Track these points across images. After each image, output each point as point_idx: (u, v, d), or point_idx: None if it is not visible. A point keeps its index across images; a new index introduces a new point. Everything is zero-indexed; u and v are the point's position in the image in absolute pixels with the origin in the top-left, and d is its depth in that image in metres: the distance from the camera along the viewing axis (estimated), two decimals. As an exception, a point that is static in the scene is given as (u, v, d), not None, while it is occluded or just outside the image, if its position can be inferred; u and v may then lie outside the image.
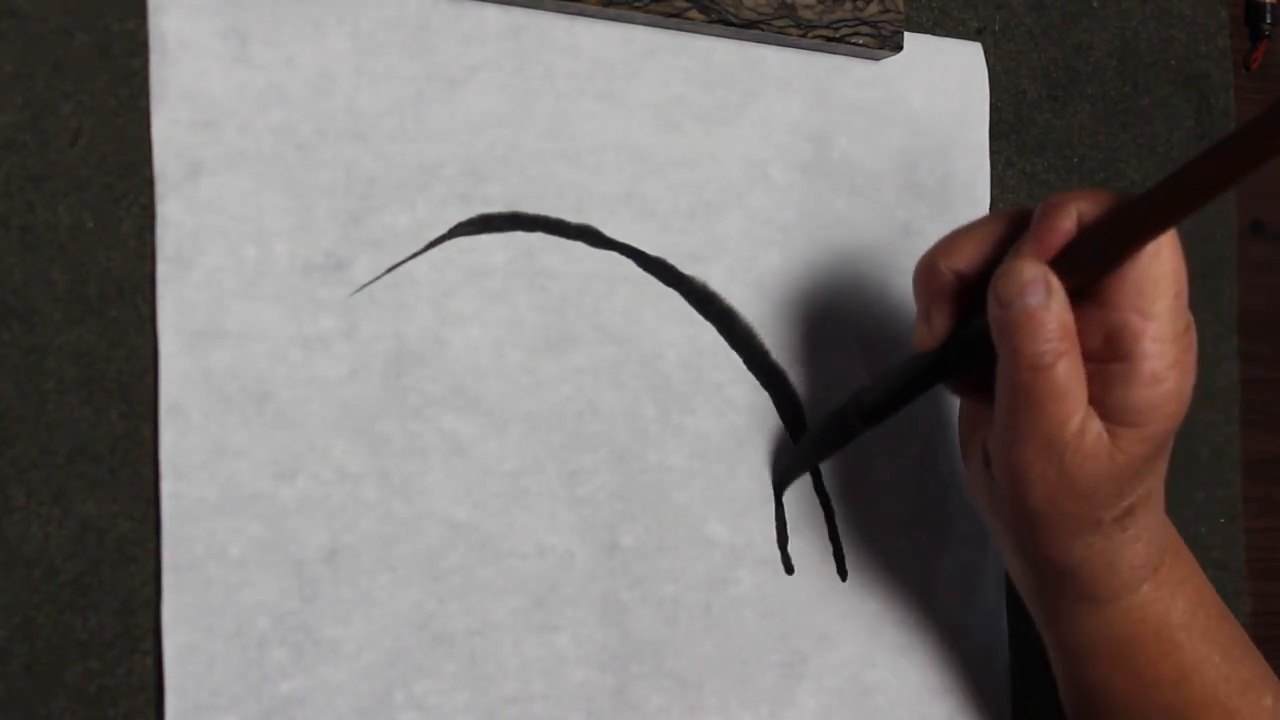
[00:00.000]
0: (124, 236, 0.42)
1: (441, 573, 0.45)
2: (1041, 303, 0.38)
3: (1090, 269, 0.38)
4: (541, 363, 0.46)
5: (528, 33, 0.47)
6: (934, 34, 0.55)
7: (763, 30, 0.49)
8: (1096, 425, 0.39)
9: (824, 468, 0.51)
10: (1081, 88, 0.59)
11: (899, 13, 0.52)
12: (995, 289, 0.39)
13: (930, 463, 0.53)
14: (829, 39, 0.51)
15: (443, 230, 0.45)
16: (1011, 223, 0.41)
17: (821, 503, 0.51)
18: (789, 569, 0.50)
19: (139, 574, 0.41)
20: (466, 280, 0.46)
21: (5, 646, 0.39)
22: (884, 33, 0.51)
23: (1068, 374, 0.38)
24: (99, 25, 0.42)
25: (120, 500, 0.41)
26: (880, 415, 0.45)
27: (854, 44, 0.51)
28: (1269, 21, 0.64)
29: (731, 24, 0.49)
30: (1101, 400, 0.39)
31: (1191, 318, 0.40)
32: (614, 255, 0.48)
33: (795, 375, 0.51)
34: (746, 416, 0.50)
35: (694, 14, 0.48)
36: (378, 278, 0.44)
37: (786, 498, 0.50)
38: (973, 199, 0.55)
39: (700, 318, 0.49)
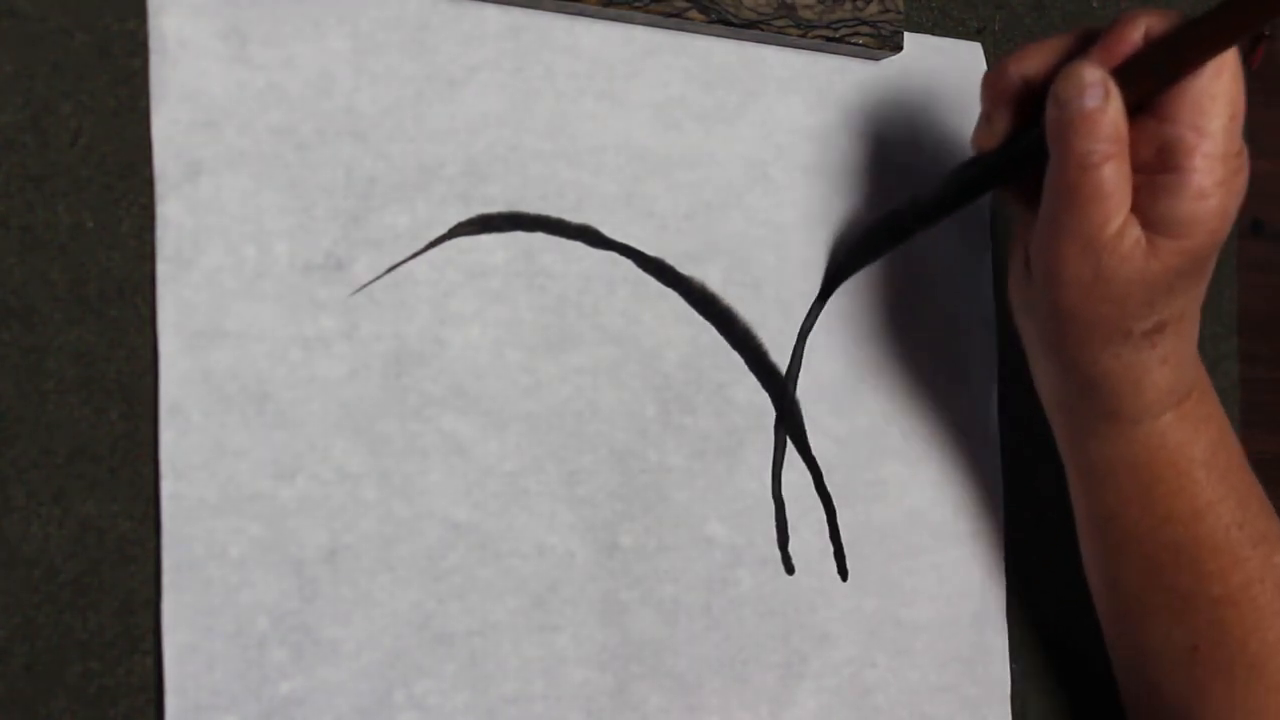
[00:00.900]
0: (124, 236, 0.42)
1: (441, 573, 0.45)
2: (1098, 104, 0.39)
3: (1151, 81, 0.39)
4: (541, 363, 0.46)
5: (528, 33, 0.47)
6: (934, 34, 0.55)
7: (763, 30, 0.49)
8: (1136, 231, 0.40)
9: (825, 468, 0.51)
10: (1081, 88, 0.59)
11: (899, 13, 0.52)
12: (1055, 89, 0.40)
13: (932, 463, 0.53)
14: (829, 39, 0.51)
15: (443, 230, 0.45)
16: (1085, 38, 0.42)
17: (823, 502, 0.51)
18: (789, 569, 0.50)
19: (139, 574, 0.41)
20: (466, 280, 0.46)
21: (5, 646, 0.39)
22: (884, 33, 0.51)
23: (1113, 176, 0.40)
24: (99, 25, 0.42)
25: (120, 500, 0.41)
26: (935, 215, 0.47)
27: (854, 44, 0.51)
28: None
29: (731, 24, 0.49)
30: (1146, 210, 0.40)
31: (1244, 146, 0.41)
32: (614, 255, 0.48)
33: (791, 375, 0.51)
34: (746, 416, 0.50)
35: (694, 14, 0.48)
36: (378, 278, 0.44)
37: (787, 498, 0.50)
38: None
39: (700, 318, 0.49)
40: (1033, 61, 0.43)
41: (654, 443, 0.48)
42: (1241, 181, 0.41)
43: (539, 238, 0.47)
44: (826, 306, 0.51)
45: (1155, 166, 0.40)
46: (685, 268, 0.49)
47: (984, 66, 0.56)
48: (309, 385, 0.43)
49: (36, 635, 0.40)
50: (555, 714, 0.46)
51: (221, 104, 0.43)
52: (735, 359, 0.50)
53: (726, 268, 0.50)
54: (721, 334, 0.50)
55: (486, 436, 0.45)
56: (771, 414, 0.50)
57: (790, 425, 0.51)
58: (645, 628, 0.48)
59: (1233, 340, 0.62)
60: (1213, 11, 0.38)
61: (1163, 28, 0.40)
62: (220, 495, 0.42)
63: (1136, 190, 0.40)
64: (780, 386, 0.50)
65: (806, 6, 0.50)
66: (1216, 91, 0.40)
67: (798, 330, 0.51)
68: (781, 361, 0.51)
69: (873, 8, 0.51)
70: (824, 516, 0.51)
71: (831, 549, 0.51)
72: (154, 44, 0.42)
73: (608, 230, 0.48)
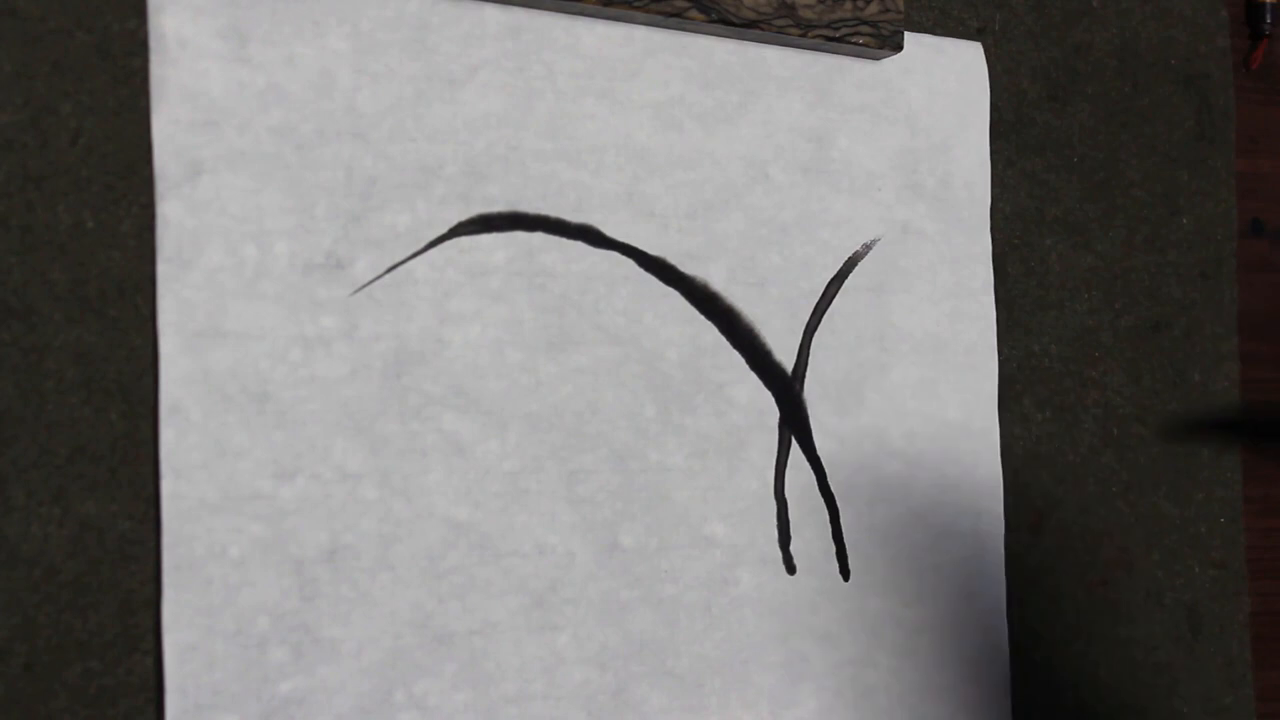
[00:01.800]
0: (124, 236, 0.42)
1: (441, 573, 0.44)
2: None
3: None
4: (541, 363, 0.46)
5: (528, 33, 0.47)
6: (934, 34, 0.55)
7: (763, 30, 0.49)
8: None
9: (829, 469, 0.51)
10: (1081, 88, 0.59)
11: (899, 13, 0.52)
12: None
13: (933, 463, 0.53)
14: (829, 39, 0.51)
15: (443, 230, 0.45)
16: None
17: (826, 503, 0.51)
18: (791, 569, 0.50)
19: (139, 574, 0.41)
20: (466, 280, 0.46)
21: (5, 646, 0.39)
22: (884, 33, 0.51)
23: None
24: (99, 25, 0.42)
25: (120, 500, 0.41)
26: None
27: (854, 44, 0.51)
28: (1269, 21, 0.64)
29: (731, 24, 0.49)
30: None
31: None
32: (614, 255, 0.48)
33: (796, 375, 0.51)
34: (747, 416, 0.50)
35: (694, 14, 0.48)
36: (378, 278, 0.44)
37: (790, 497, 0.50)
38: (973, 199, 0.55)
39: (701, 317, 0.49)
40: None
41: (654, 443, 0.48)
42: None
43: (539, 237, 0.47)
44: (831, 306, 0.51)
45: None
46: (687, 267, 0.49)
47: (984, 66, 0.56)
48: (309, 385, 0.43)
49: (36, 635, 0.40)
50: (555, 714, 0.46)
51: (221, 104, 0.43)
52: (736, 359, 0.50)
53: (730, 267, 0.50)
54: (723, 334, 0.50)
55: (486, 436, 0.45)
56: (773, 414, 0.50)
57: (795, 425, 0.51)
58: (645, 628, 0.48)
59: (1233, 340, 0.62)
60: None
61: None
62: (220, 495, 0.42)
63: None
64: (784, 386, 0.50)
65: (806, 6, 0.50)
66: None
67: (802, 329, 0.51)
68: (784, 361, 0.51)
69: (873, 8, 0.51)
70: (825, 516, 0.51)
71: (833, 549, 0.51)
72: (154, 44, 0.42)
73: (608, 230, 0.48)
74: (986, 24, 0.57)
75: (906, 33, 0.53)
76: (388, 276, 0.44)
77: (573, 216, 0.47)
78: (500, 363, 0.46)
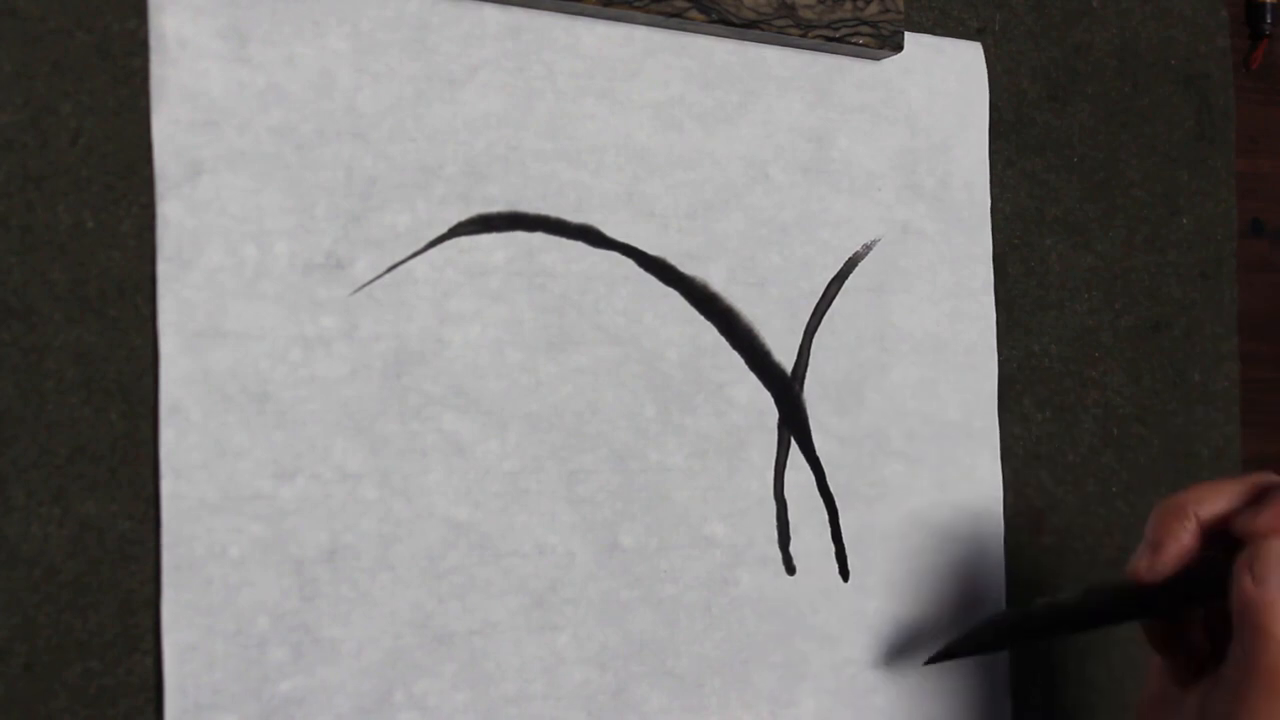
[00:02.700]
0: (124, 236, 0.42)
1: (441, 573, 0.44)
2: None
3: None
4: (541, 363, 0.46)
5: (528, 33, 0.47)
6: (934, 34, 0.55)
7: (763, 30, 0.49)
8: None
9: (828, 469, 0.51)
10: (1081, 88, 0.59)
11: (899, 13, 0.52)
12: (1255, 564, 0.38)
13: (933, 463, 0.53)
14: (829, 39, 0.51)
15: (443, 230, 0.45)
16: (1263, 487, 0.41)
17: (826, 503, 0.51)
18: (790, 569, 0.50)
19: (139, 574, 0.41)
20: (466, 280, 0.46)
21: (5, 646, 0.39)
22: (884, 33, 0.51)
23: None
24: (99, 25, 0.42)
25: (120, 500, 0.41)
26: (1071, 631, 0.45)
27: (854, 44, 0.51)
28: (1269, 21, 0.64)
29: (731, 24, 0.49)
30: None
31: None
32: (614, 255, 0.48)
33: (796, 375, 0.51)
34: (747, 416, 0.50)
35: (694, 14, 0.48)
36: (378, 277, 0.44)
37: (789, 498, 0.50)
38: (973, 199, 0.55)
39: (700, 318, 0.49)
40: (1212, 504, 0.41)
41: (654, 443, 0.48)
42: None
43: (539, 237, 0.47)
44: (831, 306, 0.51)
45: None
46: (686, 267, 0.49)
47: (984, 66, 0.56)
48: (309, 385, 0.43)
49: (36, 635, 0.40)
50: (555, 714, 0.46)
51: (221, 104, 0.43)
52: (736, 359, 0.50)
53: (730, 267, 0.50)
54: (723, 334, 0.50)
55: (486, 436, 0.45)
56: (772, 414, 0.50)
57: (795, 425, 0.51)
58: (645, 628, 0.47)
59: (1233, 340, 0.62)
60: None
61: None
62: (220, 495, 0.42)
63: None
64: (784, 386, 0.50)
65: (806, 6, 0.50)
66: None
67: (802, 330, 0.51)
68: (784, 361, 0.51)
69: (873, 8, 0.51)
70: (825, 517, 0.51)
71: (833, 549, 0.51)
72: (154, 44, 0.42)
73: (608, 230, 0.48)
74: (986, 24, 0.57)
75: (906, 33, 0.53)
76: (388, 276, 0.44)
77: (573, 216, 0.47)
78: (500, 363, 0.46)
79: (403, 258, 0.45)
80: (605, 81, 0.48)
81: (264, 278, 0.43)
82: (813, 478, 0.51)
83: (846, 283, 0.52)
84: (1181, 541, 0.41)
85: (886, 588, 0.52)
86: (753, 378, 0.50)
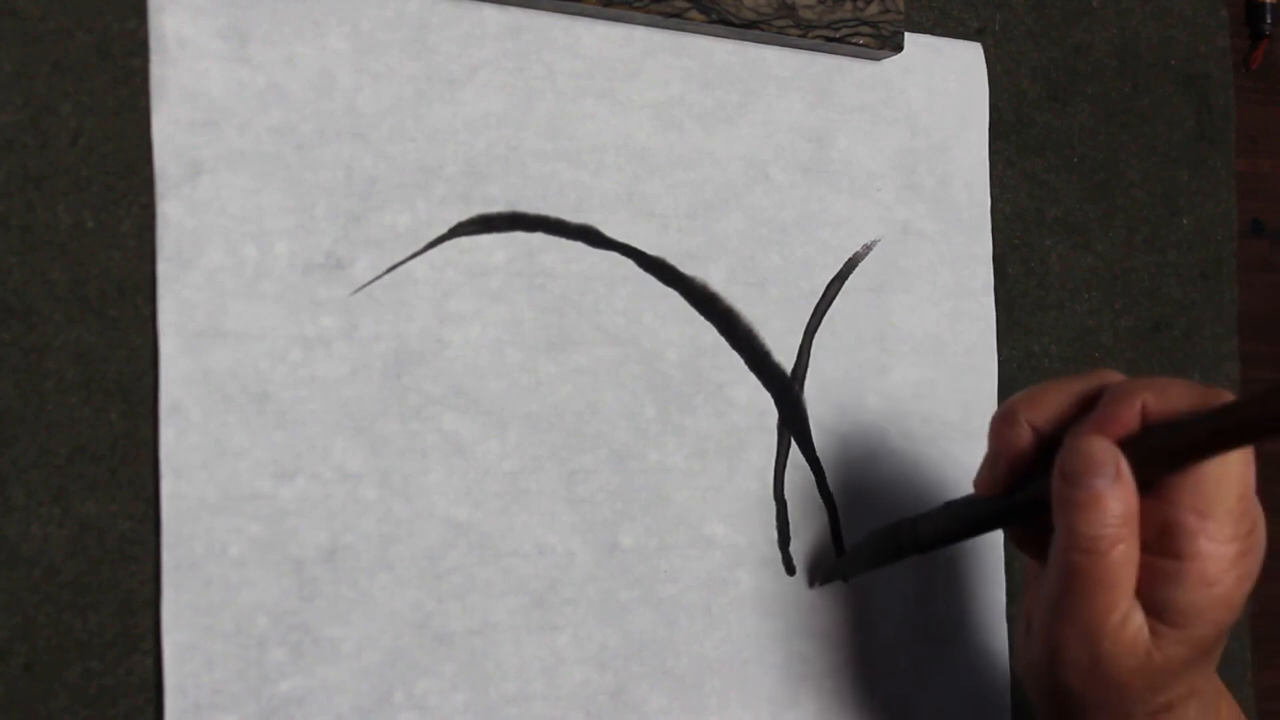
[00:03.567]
0: (124, 236, 0.42)
1: (441, 573, 0.44)
2: (1108, 486, 0.37)
3: (1154, 466, 0.37)
4: (541, 363, 0.46)
5: (528, 33, 0.47)
6: (934, 34, 0.55)
7: (763, 30, 0.49)
8: (1139, 619, 0.37)
9: (828, 469, 0.51)
10: (1081, 88, 0.59)
11: (899, 13, 0.52)
12: (1062, 463, 0.38)
13: (933, 463, 0.53)
14: (829, 39, 0.51)
15: (443, 230, 0.45)
16: (1100, 389, 0.40)
17: (826, 504, 0.51)
18: (790, 569, 0.50)
19: (139, 574, 0.41)
20: (466, 280, 0.46)
21: (5, 646, 0.39)
22: (884, 33, 0.51)
23: (1120, 563, 0.37)
24: (99, 25, 0.42)
25: (120, 500, 0.41)
26: (934, 547, 0.45)
27: (854, 44, 0.51)
28: (1269, 21, 0.64)
29: (731, 24, 0.49)
30: (1148, 595, 0.37)
31: (1260, 514, 0.38)
32: (614, 255, 0.48)
33: (796, 376, 0.51)
34: (746, 416, 0.50)
35: (694, 14, 0.48)
36: (378, 278, 0.44)
37: (789, 498, 0.50)
38: (973, 199, 0.55)
39: (700, 318, 0.49)
40: (1043, 410, 0.40)
41: (654, 443, 0.48)
42: (1254, 560, 0.38)
43: (539, 238, 0.47)
44: (831, 306, 0.51)
45: (1156, 549, 0.37)
46: (686, 267, 0.49)
47: (984, 66, 0.56)
48: (309, 385, 0.43)
49: (36, 635, 0.40)
50: (555, 714, 0.46)
51: (221, 104, 0.43)
52: (736, 359, 0.50)
53: (730, 267, 0.50)
54: (722, 334, 0.50)
55: (486, 436, 0.45)
56: (772, 414, 0.50)
57: (795, 425, 0.51)
58: (645, 628, 0.48)
59: (1233, 340, 0.62)
60: (1218, 412, 0.35)
61: (1159, 406, 0.37)
62: (220, 495, 0.42)
63: (1139, 572, 0.37)
64: (784, 386, 0.50)
65: (806, 6, 0.50)
66: (1220, 473, 0.36)
67: (802, 330, 0.51)
68: (784, 361, 0.51)
69: (873, 8, 0.51)
70: (825, 517, 0.51)
71: (833, 550, 0.51)
72: (154, 44, 0.42)
73: (608, 230, 0.48)
74: (986, 24, 0.57)
75: (906, 33, 0.53)
76: (388, 276, 0.44)
77: (573, 216, 0.47)
78: (500, 363, 0.46)
79: (403, 258, 0.45)
80: (605, 81, 0.48)
81: (264, 278, 0.43)
82: (813, 478, 0.51)
83: (846, 283, 0.52)
84: (1015, 449, 0.40)
85: (886, 587, 0.52)
86: (753, 378, 0.50)
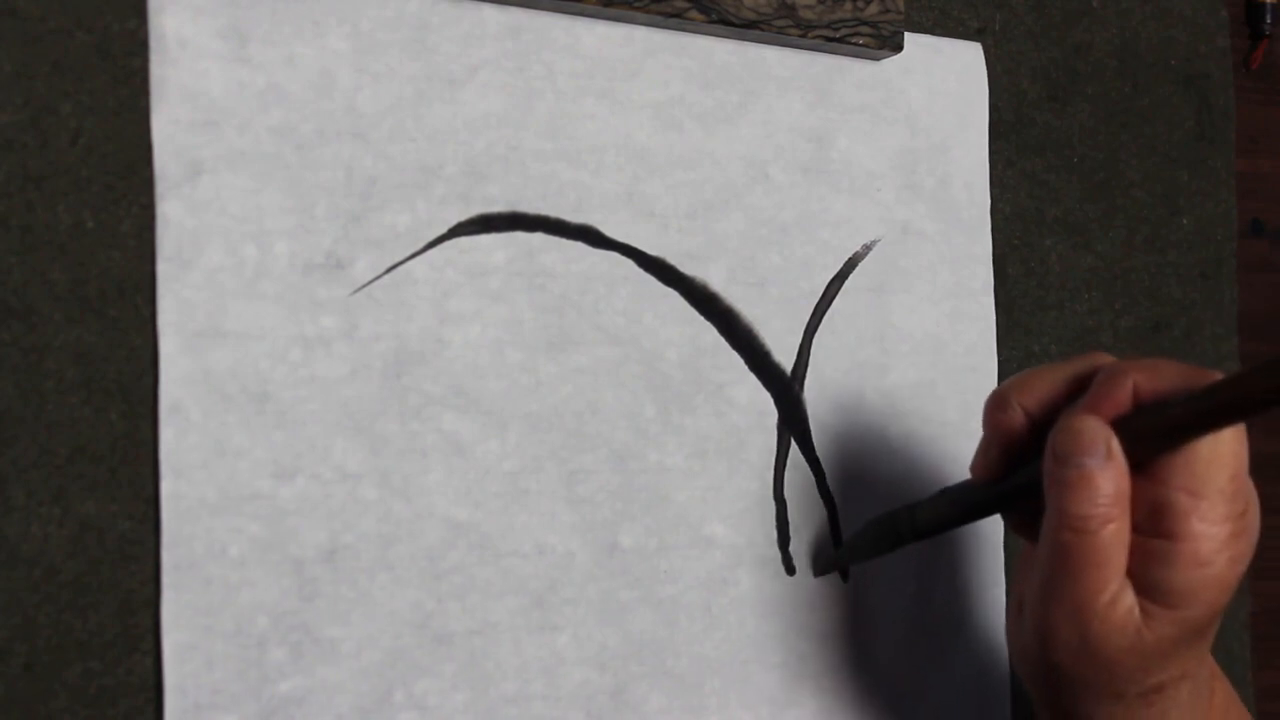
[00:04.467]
0: (124, 236, 0.42)
1: (441, 573, 0.44)
2: (1099, 465, 0.37)
3: (1146, 446, 0.37)
4: (541, 363, 0.46)
5: (528, 33, 0.47)
6: (934, 34, 0.55)
7: (763, 30, 0.49)
8: (1129, 600, 0.38)
9: (828, 469, 0.51)
10: (1081, 88, 0.59)
11: (899, 13, 0.52)
12: (1054, 443, 0.38)
13: (933, 463, 0.53)
14: (829, 39, 0.51)
15: (443, 230, 0.45)
16: (1092, 371, 0.40)
17: (826, 504, 0.51)
18: (790, 569, 0.50)
19: (139, 574, 0.41)
20: (466, 280, 0.46)
21: (5, 646, 0.39)
22: (884, 33, 0.51)
23: (1110, 543, 0.37)
24: (99, 25, 0.42)
25: (120, 500, 0.41)
26: (931, 533, 0.46)
27: (854, 44, 0.51)
28: (1269, 21, 0.64)
29: (731, 24, 0.49)
30: (1140, 575, 0.37)
31: (1254, 495, 0.38)
32: (614, 255, 0.48)
33: (796, 376, 0.51)
34: (746, 416, 0.50)
35: (694, 14, 0.48)
36: (378, 278, 0.44)
37: (789, 498, 0.50)
38: (972, 199, 0.55)
39: (700, 318, 0.49)
40: (1034, 394, 0.40)
41: (654, 443, 0.48)
42: (1247, 541, 0.38)
43: (539, 238, 0.47)
44: (831, 306, 0.51)
45: (1148, 529, 0.37)
46: (686, 267, 0.49)
47: (984, 66, 0.56)
48: (309, 385, 0.43)
49: (36, 635, 0.40)
50: (555, 714, 0.46)
51: (221, 104, 0.43)
52: (735, 359, 0.50)
53: (730, 267, 0.50)
54: (722, 334, 0.50)
55: (486, 436, 0.45)
56: (772, 414, 0.50)
57: (795, 425, 0.51)
58: (645, 628, 0.48)
59: (1233, 340, 0.62)
60: (1208, 392, 0.35)
61: (1151, 386, 0.37)
62: (220, 495, 0.42)
63: (1130, 552, 0.37)
64: (784, 386, 0.50)
65: (806, 6, 0.50)
66: (1212, 453, 0.37)
67: (802, 330, 0.51)
68: (784, 361, 0.51)
69: (873, 8, 0.51)
70: (825, 517, 0.51)
71: (833, 550, 0.51)
72: (154, 44, 0.42)
73: (608, 230, 0.48)
74: (986, 24, 0.57)
75: (906, 33, 0.53)
76: (387, 276, 0.44)
77: (573, 216, 0.47)
78: (500, 363, 0.46)
79: (403, 258, 0.45)
80: (605, 81, 0.48)
81: (264, 278, 0.43)
82: (812, 478, 0.51)
83: (846, 283, 0.52)
84: (1008, 433, 0.41)
85: (886, 587, 0.52)
86: (752, 378, 0.50)
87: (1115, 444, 0.37)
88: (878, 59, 0.53)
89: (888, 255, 0.53)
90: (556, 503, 0.46)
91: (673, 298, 0.49)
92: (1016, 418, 0.40)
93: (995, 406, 0.41)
